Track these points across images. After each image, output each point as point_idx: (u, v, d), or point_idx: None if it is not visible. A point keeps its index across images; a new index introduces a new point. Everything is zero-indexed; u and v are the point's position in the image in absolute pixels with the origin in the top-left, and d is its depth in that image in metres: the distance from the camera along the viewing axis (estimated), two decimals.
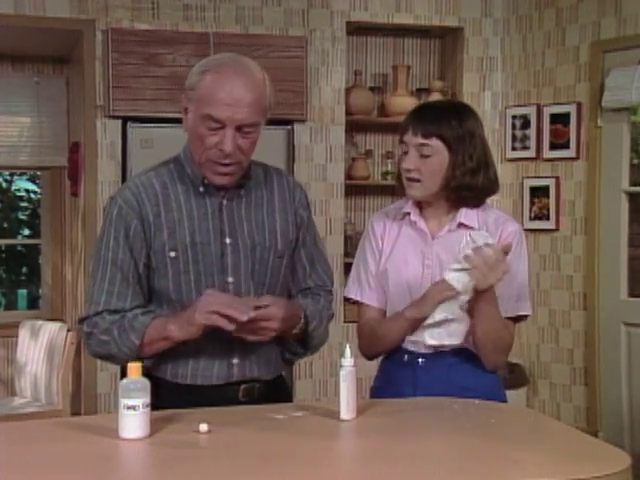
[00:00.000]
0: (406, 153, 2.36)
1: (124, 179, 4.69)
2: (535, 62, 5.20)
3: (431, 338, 2.32)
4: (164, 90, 4.67)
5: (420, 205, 2.42)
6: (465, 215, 2.37)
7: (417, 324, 2.33)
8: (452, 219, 2.39)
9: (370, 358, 2.51)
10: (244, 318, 2.05)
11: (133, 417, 1.82)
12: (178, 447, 1.79)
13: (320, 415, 2.05)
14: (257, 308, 2.09)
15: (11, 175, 6.53)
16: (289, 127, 5.00)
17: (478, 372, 2.36)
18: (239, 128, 2.11)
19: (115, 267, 2.18)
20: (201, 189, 2.22)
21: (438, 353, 2.36)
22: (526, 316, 2.43)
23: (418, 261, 2.38)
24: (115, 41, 4.68)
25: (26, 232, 6.71)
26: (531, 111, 5.17)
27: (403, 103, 5.21)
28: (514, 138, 5.26)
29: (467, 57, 5.38)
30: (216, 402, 2.13)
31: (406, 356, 2.40)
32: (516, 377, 4.96)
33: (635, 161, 4.92)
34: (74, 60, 5.28)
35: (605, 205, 4.86)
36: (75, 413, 4.75)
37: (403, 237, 2.42)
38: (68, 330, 4.72)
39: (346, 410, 1.99)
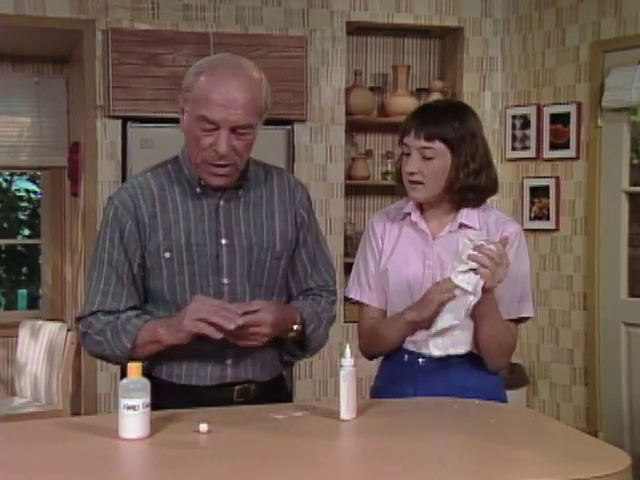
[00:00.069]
0: (407, 155, 2.35)
1: (124, 179, 4.69)
2: (535, 62, 5.20)
3: (436, 349, 2.31)
4: (164, 90, 4.67)
5: (421, 206, 2.42)
6: (466, 216, 2.37)
7: (417, 326, 2.34)
8: (453, 219, 2.39)
9: (370, 358, 2.51)
10: (231, 326, 2.04)
11: (133, 417, 1.82)
12: (178, 447, 1.79)
13: (320, 415, 2.04)
14: (247, 313, 2.08)
15: (11, 175, 6.52)
16: (289, 127, 5.00)
17: (478, 372, 2.36)
18: (233, 129, 2.10)
19: (110, 268, 2.19)
20: (198, 190, 2.21)
21: None
22: (528, 318, 2.43)
23: (419, 261, 2.38)
24: (115, 41, 4.68)
25: (26, 232, 6.71)
26: (531, 111, 5.17)
27: (403, 103, 5.21)
28: (514, 138, 5.26)
29: (467, 57, 5.38)
30: (211, 402, 2.13)
31: (406, 356, 2.40)
32: (516, 377, 4.96)
33: (635, 161, 4.92)
34: (74, 60, 5.28)
35: (605, 205, 4.86)
36: (75, 413, 4.75)
37: (404, 237, 2.42)
38: (68, 330, 4.71)
39: (346, 410, 1.99)
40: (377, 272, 2.44)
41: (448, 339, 2.30)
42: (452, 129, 2.31)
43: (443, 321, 2.25)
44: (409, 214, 2.42)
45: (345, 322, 4.96)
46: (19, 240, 6.70)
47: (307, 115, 5.03)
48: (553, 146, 5.07)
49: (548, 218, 5.09)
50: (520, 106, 5.25)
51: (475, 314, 2.27)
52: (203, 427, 1.88)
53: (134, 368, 1.85)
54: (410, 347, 2.39)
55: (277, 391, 2.33)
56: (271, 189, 2.29)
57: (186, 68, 2.19)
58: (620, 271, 4.82)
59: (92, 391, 4.79)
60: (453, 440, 1.91)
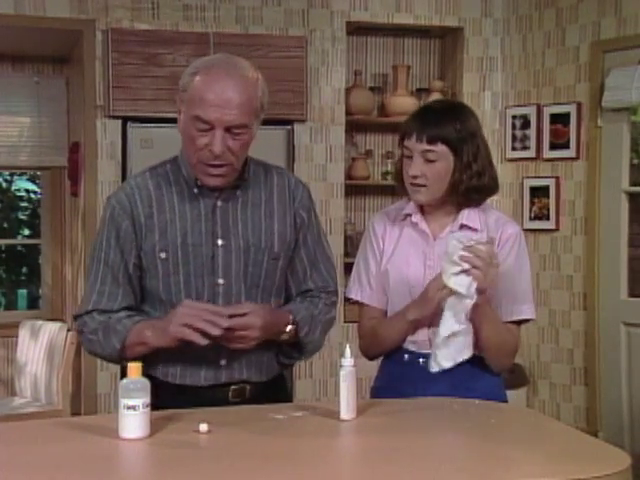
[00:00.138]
0: (409, 157, 2.35)
1: (124, 179, 4.68)
2: (535, 62, 5.20)
3: (445, 360, 2.25)
4: (164, 90, 4.67)
5: (421, 206, 2.42)
6: (467, 216, 2.37)
7: (419, 325, 2.33)
8: (453, 220, 2.39)
9: (371, 358, 2.51)
10: (216, 332, 2.04)
11: (133, 417, 1.82)
12: (178, 447, 1.79)
13: (320, 415, 2.04)
14: (235, 316, 2.08)
15: (11, 175, 6.52)
16: (289, 127, 5.00)
17: (479, 372, 2.35)
18: (228, 129, 2.09)
19: (107, 267, 2.21)
20: (195, 190, 2.21)
21: None
22: (529, 320, 2.42)
23: (420, 262, 2.38)
24: (115, 41, 4.69)
25: (26, 232, 6.71)
26: (531, 111, 5.17)
27: (403, 103, 5.22)
28: (514, 138, 5.26)
29: (467, 57, 5.38)
30: (207, 402, 2.13)
31: (407, 356, 2.40)
32: (516, 377, 4.96)
33: (635, 161, 4.92)
34: (74, 60, 5.28)
35: (605, 205, 4.86)
36: (75, 413, 4.74)
37: (404, 238, 2.42)
38: (68, 330, 4.71)
39: (346, 410, 1.99)
40: (378, 272, 2.44)
41: (453, 347, 2.25)
42: (454, 130, 2.31)
43: (446, 328, 2.22)
44: (409, 215, 2.42)
45: (345, 322, 4.96)
46: (19, 240, 6.70)
47: (307, 115, 5.03)
48: (553, 146, 5.07)
49: (548, 218, 5.09)
50: (520, 106, 5.25)
51: (473, 317, 2.26)
52: (203, 427, 1.88)
53: (134, 368, 1.85)
54: (410, 347, 2.39)
55: (276, 391, 2.33)
56: (271, 189, 2.29)
57: (186, 68, 2.20)
58: (620, 271, 4.82)
59: (92, 391, 4.79)
60: (453, 440, 1.91)
